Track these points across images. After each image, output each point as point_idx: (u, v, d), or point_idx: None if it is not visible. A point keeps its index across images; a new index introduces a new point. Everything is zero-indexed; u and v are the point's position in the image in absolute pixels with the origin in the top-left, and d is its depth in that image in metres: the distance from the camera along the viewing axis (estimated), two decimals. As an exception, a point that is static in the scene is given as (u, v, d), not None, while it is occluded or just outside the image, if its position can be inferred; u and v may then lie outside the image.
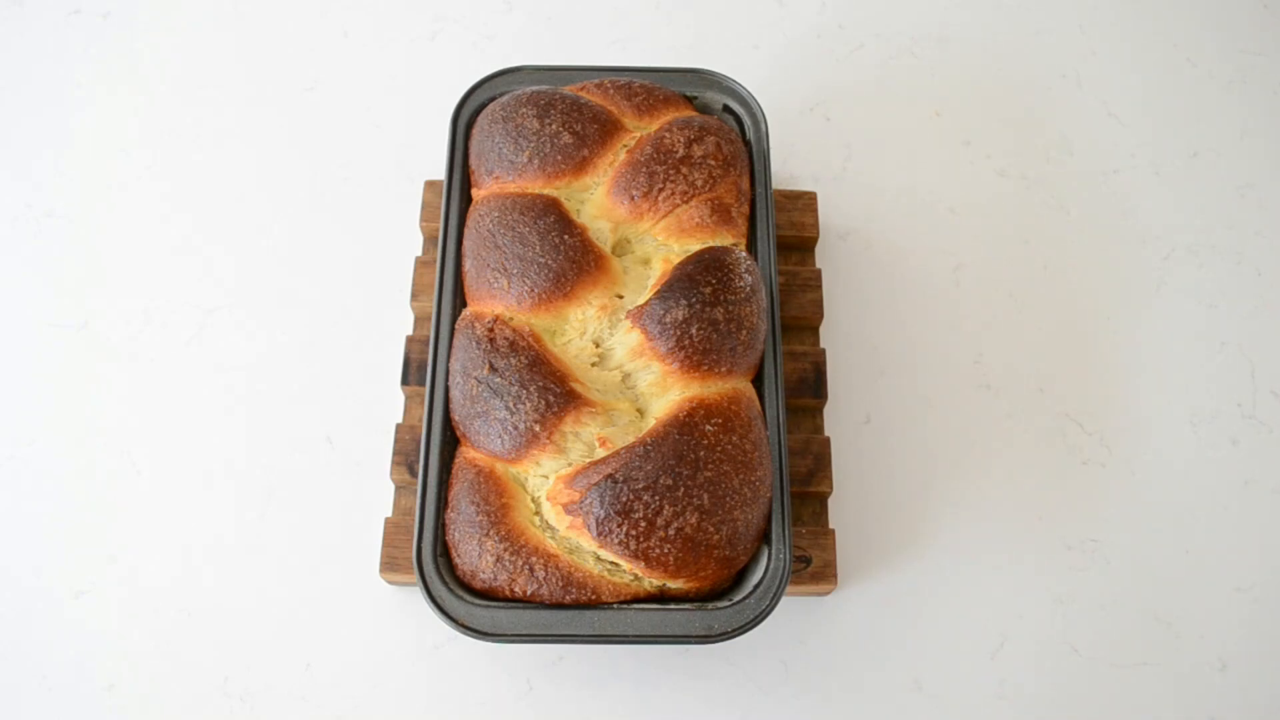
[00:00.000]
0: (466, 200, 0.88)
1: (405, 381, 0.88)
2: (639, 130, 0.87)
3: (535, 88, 0.89)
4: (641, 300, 0.79)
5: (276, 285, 0.97)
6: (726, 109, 0.91)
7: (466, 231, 0.84)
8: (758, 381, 0.80)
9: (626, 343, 0.77)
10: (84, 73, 1.08)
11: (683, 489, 0.71)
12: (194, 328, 0.95)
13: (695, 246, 0.82)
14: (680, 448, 0.72)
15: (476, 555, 0.73)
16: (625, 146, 0.86)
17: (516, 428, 0.74)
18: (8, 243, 0.99)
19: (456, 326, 0.81)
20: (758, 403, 0.78)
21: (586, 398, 0.75)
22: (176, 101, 1.06)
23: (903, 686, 0.82)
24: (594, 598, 0.72)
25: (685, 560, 0.71)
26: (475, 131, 0.88)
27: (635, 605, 0.72)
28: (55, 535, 0.86)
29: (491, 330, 0.78)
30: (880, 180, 1.03)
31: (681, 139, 0.84)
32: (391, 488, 0.87)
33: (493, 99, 0.90)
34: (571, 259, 0.79)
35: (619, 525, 0.70)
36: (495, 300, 0.80)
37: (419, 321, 0.93)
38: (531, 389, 0.74)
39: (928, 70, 1.09)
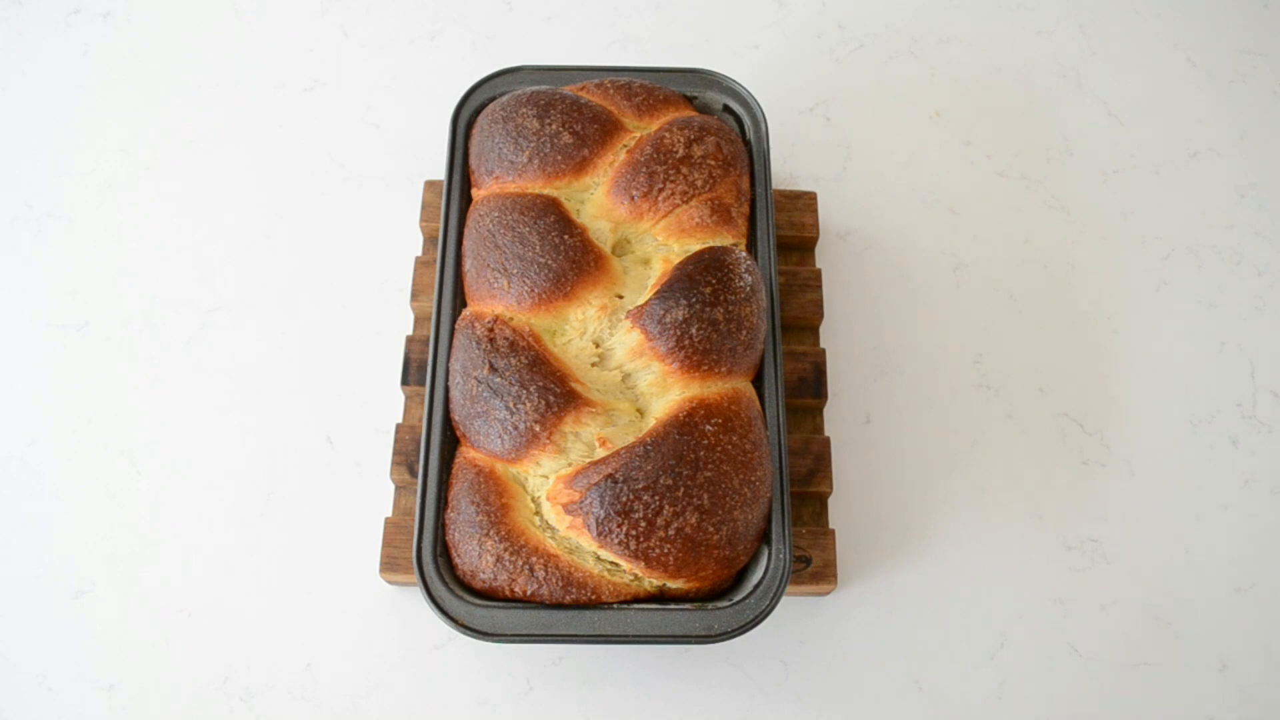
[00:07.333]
0: (466, 200, 0.88)
1: (405, 381, 0.88)
2: (639, 130, 0.87)
3: (535, 88, 0.89)
4: (641, 300, 0.79)
5: (276, 285, 0.97)
6: (726, 109, 0.91)
7: (466, 231, 0.84)
8: (758, 381, 0.80)
9: (626, 343, 0.77)
10: (84, 73, 1.08)
11: (683, 489, 0.71)
12: (194, 328, 0.95)
13: (695, 246, 0.82)
14: (680, 448, 0.72)
15: (476, 555, 0.73)
16: (625, 146, 0.86)
17: (516, 428, 0.74)
18: (8, 243, 0.99)
19: (456, 326, 0.81)
20: (758, 403, 0.78)
21: (586, 398, 0.75)
22: (176, 101, 1.06)
23: (903, 686, 0.82)
24: (594, 598, 0.72)
25: (685, 560, 0.71)
26: (475, 131, 0.88)
27: (635, 605, 0.72)
28: (55, 535, 0.86)
29: (491, 330, 0.78)
30: (880, 180, 1.03)
31: (681, 139, 0.84)
32: (391, 488, 0.87)
33: (493, 99, 0.90)
34: (571, 259, 0.79)
35: (619, 525, 0.70)
36: (495, 300, 0.80)
37: (419, 321, 0.93)
38: (531, 389, 0.74)
39: (928, 70, 1.09)
